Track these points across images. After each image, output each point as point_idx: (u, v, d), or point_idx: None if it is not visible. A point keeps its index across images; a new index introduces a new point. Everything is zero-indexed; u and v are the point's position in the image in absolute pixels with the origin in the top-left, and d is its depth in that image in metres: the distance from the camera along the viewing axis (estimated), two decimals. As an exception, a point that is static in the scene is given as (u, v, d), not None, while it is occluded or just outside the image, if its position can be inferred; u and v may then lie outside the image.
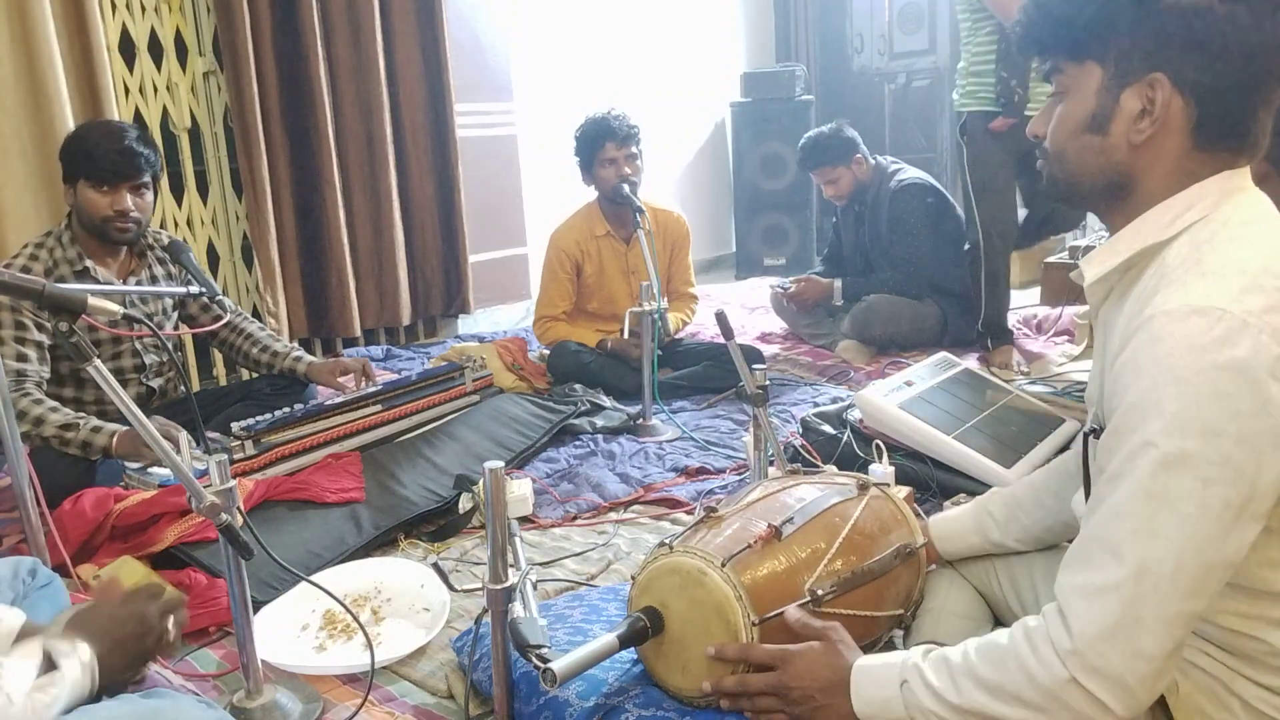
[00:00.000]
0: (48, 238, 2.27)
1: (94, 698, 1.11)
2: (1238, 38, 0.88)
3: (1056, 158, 1.01)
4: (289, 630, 1.65)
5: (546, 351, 3.30)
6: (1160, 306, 0.86)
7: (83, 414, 2.14)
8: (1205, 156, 0.93)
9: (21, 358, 2.15)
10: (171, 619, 1.24)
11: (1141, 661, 0.83)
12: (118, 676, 1.16)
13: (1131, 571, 0.83)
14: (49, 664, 1.06)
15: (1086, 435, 1.06)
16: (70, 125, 2.84)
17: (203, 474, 1.30)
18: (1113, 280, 1.00)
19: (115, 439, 2.07)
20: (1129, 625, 0.83)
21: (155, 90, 3.36)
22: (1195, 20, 0.89)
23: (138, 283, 2.35)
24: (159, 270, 2.42)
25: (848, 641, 1.10)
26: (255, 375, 2.71)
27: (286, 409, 2.36)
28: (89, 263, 2.26)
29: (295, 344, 2.69)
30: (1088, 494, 1.06)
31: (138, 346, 2.40)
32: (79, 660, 1.09)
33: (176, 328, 2.58)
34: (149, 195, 2.28)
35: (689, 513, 2.14)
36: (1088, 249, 3.70)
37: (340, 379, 2.54)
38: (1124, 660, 0.83)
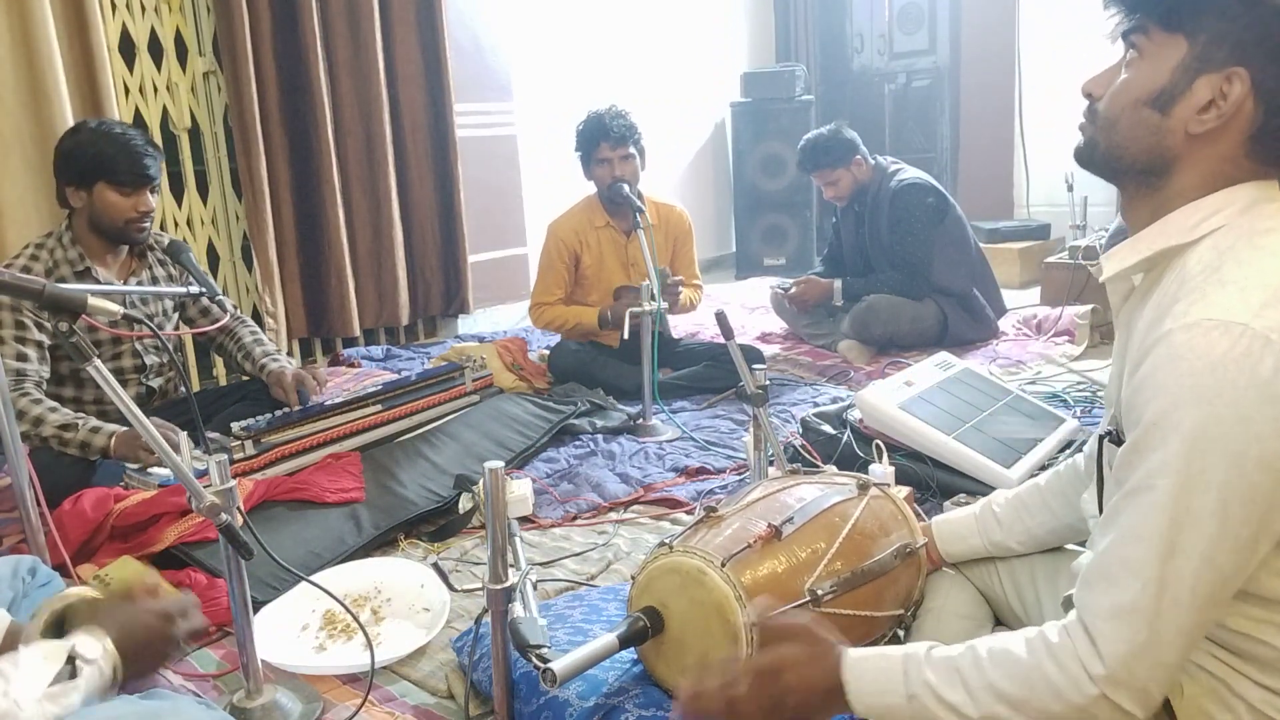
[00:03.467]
0: (48, 238, 2.27)
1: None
2: None
3: (1108, 123, 0.97)
4: (289, 630, 1.65)
5: (547, 351, 3.31)
6: (1180, 318, 0.85)
7: (81, 414, 2.14)
8: (1249, 166, 0.91)
9: (21, 357, 2.15)
10: (186, 624, 1.24)
11: (1162, 670, 0.85)
12: (131, 679, 1.16)
13: (1155, 591, 0.84)
14: (71, 664, 1.06)
15: (1102, 437, 1.05)
16: (70, 125, 2.84)
17: (203, 474, 1.30)
18: (1133, 279, 0.99)
19: (114, 440, 2.07)
20: (1153, 641, 0.84)
21: (155, 90, 3.36)
22: None
23: (138, 283, 2.36)
24: (159, 271, 2.42)
25: (822, 634, 1.02)
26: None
27: (286, 409, 2.36)
28: (90, 263, 2.26)
29: (275, 350, 2.62)
30: (1100, 495, 1.06)
31: (138, 347, 2.40)
32: (101, 668, 1.08)
33: (177, 328, 2.58)
34: (157, 195, 2.32)
35: (689, 513, 2.14)
36: (1088, 249, 3.70)
37: (285, 394, 2.43)
38: (1149, 672, 0.85)
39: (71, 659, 1.06)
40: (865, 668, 0.97)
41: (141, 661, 1.14)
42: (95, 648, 1.07)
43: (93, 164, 2.21)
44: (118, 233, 2.26)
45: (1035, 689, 0.89)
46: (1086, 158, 1.01)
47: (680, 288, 3.03)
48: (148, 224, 2.29)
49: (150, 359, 2.44)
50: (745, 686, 0.97)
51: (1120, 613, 0.85)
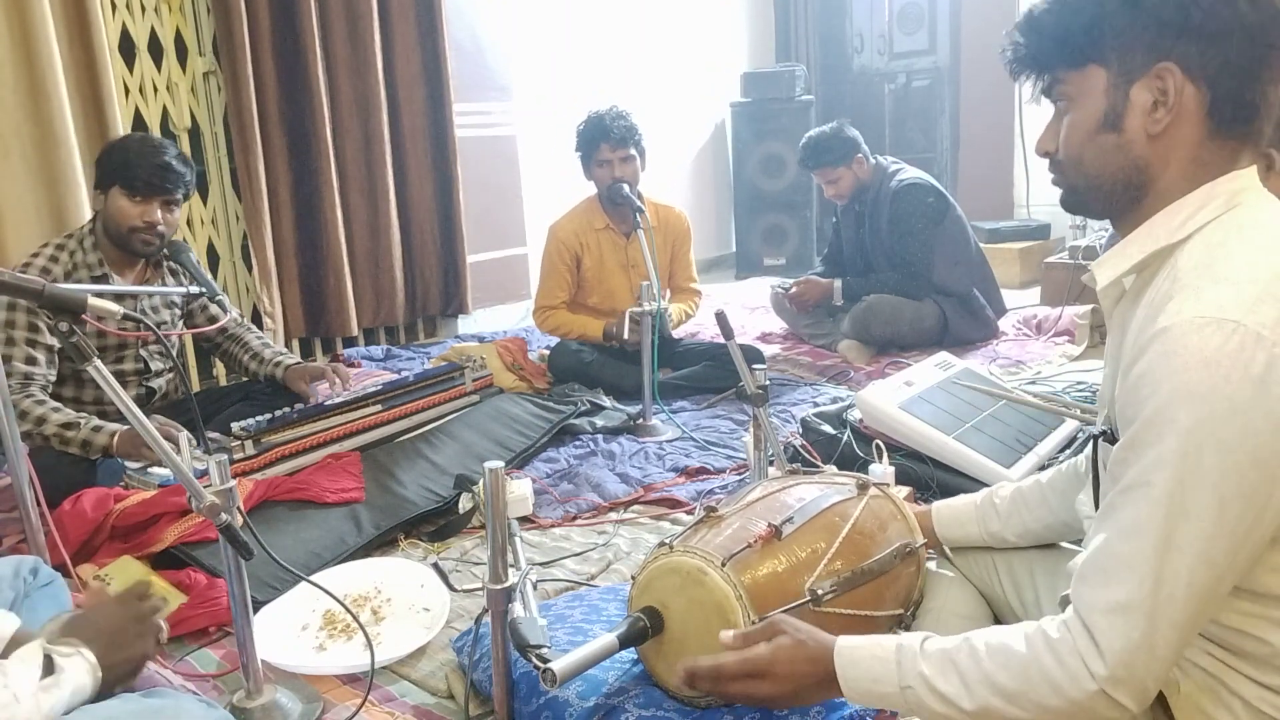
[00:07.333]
0: (69, 239, 2.28)
1: (96, 698, 1.11)
2: (1236, 17, 0.88)
3: (1073, 164, 1.00)
4: (289, 630, 1.65)
5: (547, 351, 3.31)
6: (1174, 316, 0.85)
7: (83, 414, 2.14)
8: (1218, 144, 0.93)
9: (31, 360, 2.16)
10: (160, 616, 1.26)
11: (1159, 665, 0.86)
12: (119, 677, 1.16)
13: (1151, 587, 0.85)
14: (48, 667, 1.07)
15: (1096, 437, 1.05)
16: (70, 125, 2.84)
17: (203, 474, 1.30)
18: (1124, 282, 1.00)
19: (115, 438, 2.07)
20: (1150, 637, 0.85)
21: (155, 90, 3.36)
22: (1191, 6, 0.89)
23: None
24: (171, 282, 2.42)
25: (803, 626, 1.05)
26: (254, 377, 2.71)
27: (286, 409, 2.36)
28: (108, 270, 2.27)
29: (285, 350, 2.65)
30: (1095, 495, 1.06)
31: (143, 353, 2.40)
32: (83, 661, 1.09)
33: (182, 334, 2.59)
34: (177, 213, 2.30)
35: (689, 513, 2.14)
36: (1088, 249, 3.70)
37: (308, 385, 2.49)
38: (1146, 668, 0.85)
39: (48, 656, 1.07)
40: (858, 656, 1.00)
41: (121, 657, 1.15)
42: (66, 648, 1.09)
43: (113, 166, 2.22)
44: (122, 240, 2.24)
45: (1033, 682, 0.89)
46: (1073, 203, 1.04)
47: (669, 313, 3.09)
48: (153, 238, 2.25)
49: (155, 364, 2.44)
50: (736, 684, 1.04)
51: (1118, 608, 0.86)
